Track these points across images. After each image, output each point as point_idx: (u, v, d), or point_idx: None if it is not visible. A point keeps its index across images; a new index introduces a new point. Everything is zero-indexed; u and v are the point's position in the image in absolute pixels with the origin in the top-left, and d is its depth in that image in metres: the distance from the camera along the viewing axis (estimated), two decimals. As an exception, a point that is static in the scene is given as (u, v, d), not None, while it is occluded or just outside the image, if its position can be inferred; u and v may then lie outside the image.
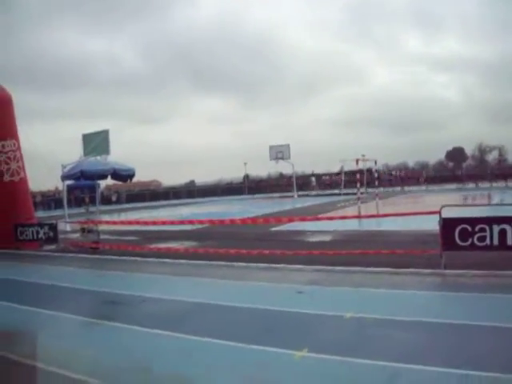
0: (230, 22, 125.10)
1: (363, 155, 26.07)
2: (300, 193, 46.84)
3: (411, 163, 79.26)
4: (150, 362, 5.57)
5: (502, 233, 9.00)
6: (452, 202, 21.47)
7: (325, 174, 61.29)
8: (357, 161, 23.61)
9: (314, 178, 58.99)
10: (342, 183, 44.10)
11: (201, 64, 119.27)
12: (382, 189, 35.59)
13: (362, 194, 23.31)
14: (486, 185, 42.50)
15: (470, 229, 9.21)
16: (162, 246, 14.78)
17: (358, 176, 24.55)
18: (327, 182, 56.43)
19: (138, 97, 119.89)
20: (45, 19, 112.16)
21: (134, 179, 22.44)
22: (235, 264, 11.42)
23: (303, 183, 56.31)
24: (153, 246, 14.89)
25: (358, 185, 23.87)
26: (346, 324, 6.57)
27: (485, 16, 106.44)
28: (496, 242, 9.04)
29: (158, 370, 5.34)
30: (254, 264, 11.19)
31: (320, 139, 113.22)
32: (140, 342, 6.49)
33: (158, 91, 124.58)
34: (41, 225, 16.91)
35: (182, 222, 16.38)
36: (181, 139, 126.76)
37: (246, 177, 64.72)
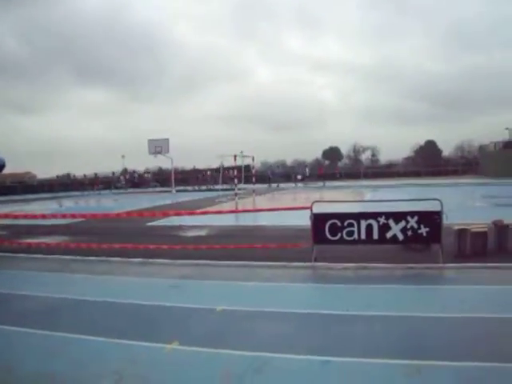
0: (115, 15, 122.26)
1: (242, 152, 26.51)
2: (178, 188, 46.70)
3: (289, 161, 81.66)
4: (12, 362, 5.40)
5: (369, 228, 9.57)
6: (326, 198, 22.38)
7: (205, 170, 61.55)
8: (235, 157, 23.95)
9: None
10: (220, 179, 44.48)
11: (84, 56, 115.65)
12: (258, 185, 36.20)
13: (239, 189, 23.64)
14: (358, 182, 44.39)
15: (339, 224, 9.70)
16: (33, 240, 14.21)
17: (235, 172, 24.93)
18: (206, 178, 56.62)
19: (13, 85, 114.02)
20: None
21: (6, 170, 21.45)
22: (109, 259, 11.27)
23: (183, 178, 56.24)
24: (22, 240, 14.28)
25: (236, 181, 24.24)
26: (217, 317, 6.71)
27: (363, 20, 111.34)
28: (363, 236, 9.59)
29: (21, 370, 5.19)
30: (129, 259, 11.12)
31: (201, 135, 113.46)
32: (4, 341, 6.25)
33: (36, 81, 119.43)
34: None
35: (54, 216, 15.81)
36: (58, 131, 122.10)
37: (125, 170, 63.59)
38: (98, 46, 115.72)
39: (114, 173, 63.88)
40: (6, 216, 16.33)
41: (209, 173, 58.37)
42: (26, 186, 59.96)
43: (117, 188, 55.88)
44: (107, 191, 52.33)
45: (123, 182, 59.34)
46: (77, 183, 59.46)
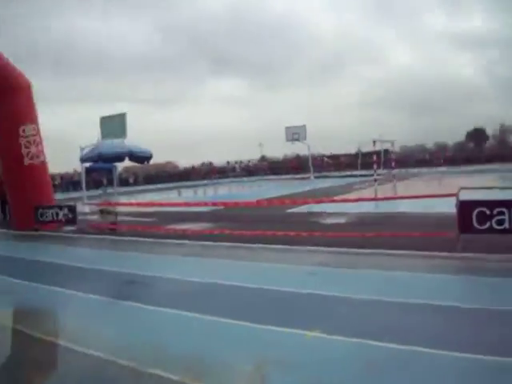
0: (247, 3, 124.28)
1: (380, 136, 25.97)
2: (316, 174, 46.57)
3: (430, 144, 78.29)
4: (164, 341, 5.74)
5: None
6: (471, 184, 21.36)
7: (342, 156, 61.07)
8: (374, 142, 23.51)
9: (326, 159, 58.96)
10: (359, 165, 43.87)
11: (218, 46, 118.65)
12: (398, 170, 35.21)
13: (378, 175, 23.18)
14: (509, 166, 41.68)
15: (488, 212, 9.20)
16: (179, 227, 14.90)
17: (374, 157, 24.45)
18: (344, 164, 56.11)
19: (154, 80, 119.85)
20: (64, 3, 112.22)
21: (150, 161, 22.64)
22: (250, 245, 11.54)
23: (319, 165, 56.06)
24: (169, 227, 15.03)
25: (375, 166, 23.78)
26: (358, 306, 6.64)
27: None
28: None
29: (172, 349, 5.47)
30: (269, 245, 11.29)
31: (337, 121, 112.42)
32: (156, 321, 6.63)
33: (174, 74, 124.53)
34: (60, 206, 17.13)
35: (197, 204, 16.48)
36: (197, 121, 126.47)
37: (262, 158, 64.60)
38: (232, 36, 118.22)
39: (228, 162, 65.53)
40: (154, 204, 17.23)
41: (342, 159, 57.87)
42: (170, 175, 62.76)
43: (231, 177, 57.17)
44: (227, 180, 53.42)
45: (238, 171, 60.52)
46: (215, 171, 61.35)
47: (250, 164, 65.66)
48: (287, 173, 56.49)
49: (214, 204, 16.02)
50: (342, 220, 14.89)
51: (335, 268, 8.96)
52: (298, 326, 5.81)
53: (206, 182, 53.80)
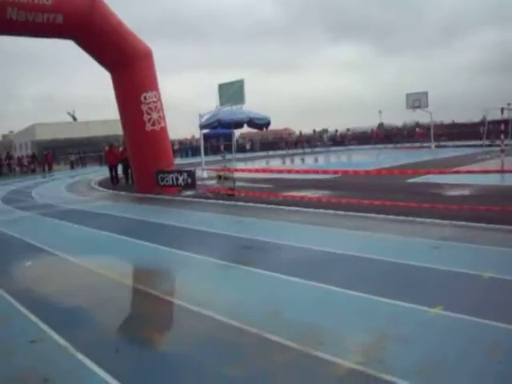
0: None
1: (509, 104, 24.48)
2: (437, 143, 44.87)
3: None
4: (281, 307, 5.75)
5: None
6: None
7: (465, 124, 58.41)
8: (502, 110, 22.19)
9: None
10: (484, 134, 41.72)
11: (333, 11, 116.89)
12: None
13: (506, 145, 21.89)
14: None
15: None
16: (296, 194, 14.92)
17: (502, 126, 23.09)
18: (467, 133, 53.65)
19: (271, 46, 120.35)
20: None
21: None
22: (368, 215, 11.30)
23: (441, 134, 53.92)
24: (286, 193, 15.07)
25: (502, 136, 22.47)
26: (484, 284, 6.29)
27: None
28: None
29: (289, 316, 5.48)
30: (389, 216, 11.00)
31: (462, 87, 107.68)
32: (273, 287, 6.68)
33: (291, 40, 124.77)
34: (180, 171, 17.64)
35: (315, 171, 16.40)
36: (313, 87, 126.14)
37: (381, 125, 63.09)
38: (350, 2, 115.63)
39: (314, 131, 64.79)
40: (272, 170, 17.32)
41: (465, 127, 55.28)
42: (286, 142, 63.06)
43: (316, 146, 56.34)
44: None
45: (325, 140, 59.56)
46: (332, 139, 60.83)
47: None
48: (406, 141, 54.91)
49: (334, 172, 15.77)
50: (465, 192, 14.24)
51: (460, 243, 8.52)
52: (418, 301, 5.62)
53: (321, 149, 53.53)
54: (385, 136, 57.64)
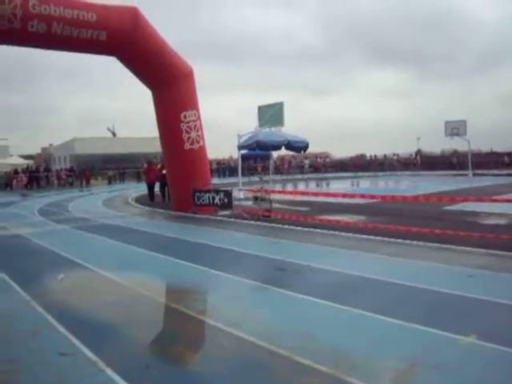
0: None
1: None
2: (476, 171, 44.17)
3: None
4: (313, 330, 5.66)
5: None
6: None
7: (504, 153, 57.42)
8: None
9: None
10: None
11: (374, 36, 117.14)
12: None
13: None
14: None
15: None
16: (332, 218, 14.75)
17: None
18: (506, 162, 52.71)
19: (311, 70, 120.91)
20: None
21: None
22: (405, 241, 11.10)
23: (479, 162, 53.05)
24: (323, 217, 14.92)
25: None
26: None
27: None
28: None
29: (320, 339, 5.38)
30: (424, 243, 10.79)
31: (500, 115, 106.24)
32: (306, 309, 6.58)
33: (330, 65, 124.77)
34: (217, 191, 17.65)
35: (352, 196, 16.23)
36: (352, 112, 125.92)
37: (418, 152, 62.43)
38: (389, 27, 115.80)
39: (385, 155, 64.32)
40: (308, 193, 17.19)
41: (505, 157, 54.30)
42: (322, 165, 62.89)
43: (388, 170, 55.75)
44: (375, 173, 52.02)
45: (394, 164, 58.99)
46: (370, 164, 60.48)
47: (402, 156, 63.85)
48: (443, 168, 54.18)
49: (371, 197, 15.60)
50: (502, 221, 13.90)
51: (495, 272, 8.28)
52: (451, 330, 5.48)
53: (359, 173, 53.20)
54: (422, 163, 57.09)
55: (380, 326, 5.79)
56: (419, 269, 8.76)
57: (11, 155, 64.50)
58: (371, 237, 11.80)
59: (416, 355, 4.88)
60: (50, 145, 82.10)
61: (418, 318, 5.88)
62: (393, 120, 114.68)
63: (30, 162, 60.32)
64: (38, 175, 47.59)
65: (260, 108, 24.50)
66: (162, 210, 20.10)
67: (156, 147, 34.64)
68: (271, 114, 23.36)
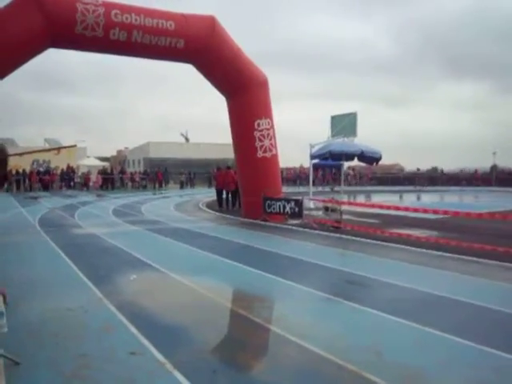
0: (482, 4, 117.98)
1: None
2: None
3: None
4: (382, 347, 5.54)
5: None
6: None
7: None
8: None
9: None
10: None
11: (451, 48, 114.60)
12: None
13: None
14: None
15: None
16: (403, 232, 14.47)
17: None
18: None
19: (384, 80, 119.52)
20: (298, 5, 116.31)
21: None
22: (478, 259, 10.76)
23: None
24: (393, 230, 14.67)
25: None
26: None
27: None
28: None
29: (389, 356, 5.26)
30: (499, 262, 10.41)
31: None
32: (374, 325, 6.46)
33: (406, 76, 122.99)
34: (287, 200, 17.67)
35: (425, 210, 15.89)
36: (424, 123, 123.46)
37: (494, 167, 60.46)
38: (467, 37, 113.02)
39: (462, 170, 62.64)
40: (380, 206, 16.95)
41: None
42: (395, 178, 61.97)
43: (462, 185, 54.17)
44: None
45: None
46: (444, 178, 59.18)
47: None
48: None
49: (444, 212, 15.24)
50: None
51: None
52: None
53: (429, 187, 52.07)
54: (497, 178, 55.36)
55: (451, 346, 5.60)
56: (494, 289, 8.47)
57: (88, 156, 66.60)
58: (443, 253, 11.49)
59: (487, 379, 4.72)
60: (125, 148, 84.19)
61: (490, 341, 5.65)
62: (467, 133, 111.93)
63: (106, 163, 61.99)
64: (112, 177, 48.92)
65: (333, 118, 24.36)
66: (231, 217, 20.26)
67: (227, 153, 34.98)
68: (344, 124, 23.20)
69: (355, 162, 23.03)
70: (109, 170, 50.63)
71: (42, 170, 48.18)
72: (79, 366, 4.89)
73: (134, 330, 6.00)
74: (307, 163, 31.24)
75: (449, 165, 67.96)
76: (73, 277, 9.02)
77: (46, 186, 44.12)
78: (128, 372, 4.77)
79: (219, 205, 24.51)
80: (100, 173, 48.72)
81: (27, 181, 43.76)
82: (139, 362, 5.02)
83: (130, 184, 50.13)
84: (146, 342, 5.56)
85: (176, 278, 8.95)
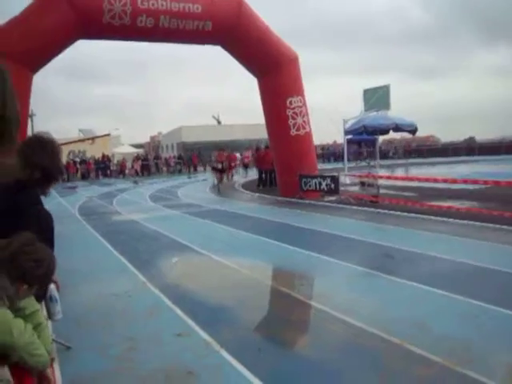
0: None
1: None
2: None
3: None
4: (425, 319, 5.52)
5: None
6: None
7: None
8: None
9: None
10: None
11: (487, 15, 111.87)
12: None
13: None
14: None
15: None
16: (442, 204, 14.32)
17: None
18: None
19: (419, 51, 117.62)
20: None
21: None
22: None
23: None
24: (432, 203, 14.51)
25: None
26: None
27: None
28: None
29: (433, 329, 5.24)
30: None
31: None
32: (417, 297, 6.43)
33: (440, 45, 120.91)
34: (323, 176, 17.63)
35: (464, 181, 15.67)
36: (461, 94, 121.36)
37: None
38: (504, 5, 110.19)
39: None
40: (417, 179, 16.76)
41: None
42: (430, 149, 61.12)
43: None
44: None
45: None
46: (482, 148, 58.03)
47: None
48: None
49: (484, 182, 14.94)
50: None
51: None
52: None
53: (468, 158, 51.23)
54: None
55: (497, 318, 5.53)
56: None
57: (122, 144, 67.34)
58: (484, 224, 11.34)
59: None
60: (159, 133, 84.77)
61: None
62: (506, 101, 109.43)
63: (140, 150, 62.61)
64: (148, 163, 49.41)
65: (365, 92, 24.09)
66: (269, 196, 20.31)
67: (261, 133, 34.91)
68: (377, 97, 22.94)
69: (390, 135, 22.83)
70: (143, 157, 51.15)
71: (77, 159, 49.03)
72: (127, 349, 5.01)
73: (178, 311, 6.10)
74: (340, 139, 31.02)
75: (486, 134, 66.59)
76: (116, 263, 9.19)
77: (83, 176, 44.85)
78: (174, 353, 4.87)
79: (258, 185, 24.58)
80: (139, 158, 49.23)
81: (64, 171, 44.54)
82: (186, 343, 5.11)
83: (164, 169, 50.58)
84: (191, 322, 5.66)
85: (217, 259, 9.04)
